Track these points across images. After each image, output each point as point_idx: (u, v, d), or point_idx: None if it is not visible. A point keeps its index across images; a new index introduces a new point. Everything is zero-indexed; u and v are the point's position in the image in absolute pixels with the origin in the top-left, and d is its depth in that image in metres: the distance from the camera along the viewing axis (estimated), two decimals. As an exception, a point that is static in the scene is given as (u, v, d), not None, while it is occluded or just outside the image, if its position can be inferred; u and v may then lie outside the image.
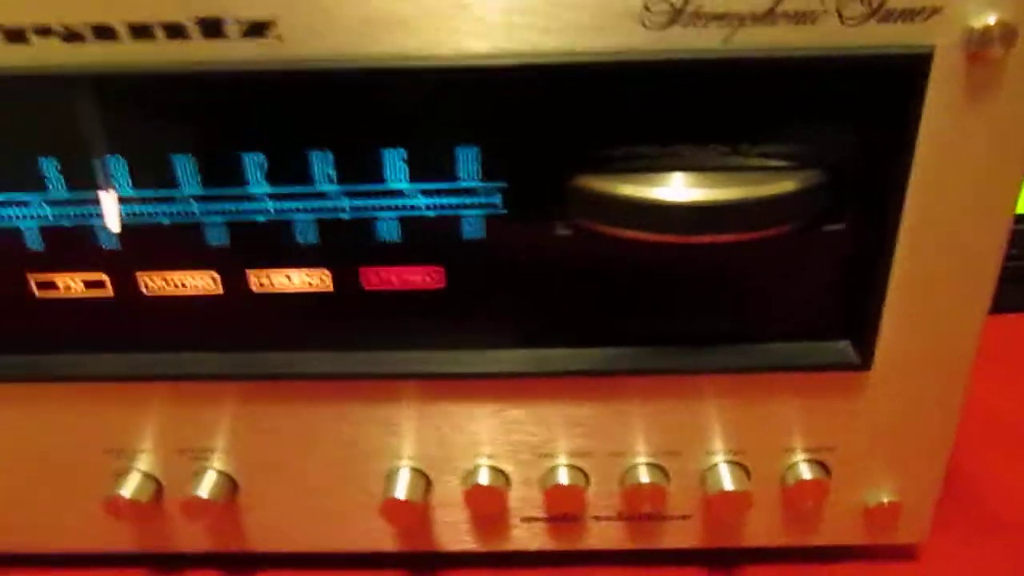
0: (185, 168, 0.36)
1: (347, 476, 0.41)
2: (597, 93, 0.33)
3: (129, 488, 0.40)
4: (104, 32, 0.31)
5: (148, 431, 0.40)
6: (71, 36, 0.31)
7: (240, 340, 0.39)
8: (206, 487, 0.40)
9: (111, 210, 0.37)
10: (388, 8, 0.31)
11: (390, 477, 0.40)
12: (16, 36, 0.32)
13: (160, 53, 0.32)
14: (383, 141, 0.35)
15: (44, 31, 0.32)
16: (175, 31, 0.31)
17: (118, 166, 0.36)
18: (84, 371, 0.39)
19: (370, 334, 0.39)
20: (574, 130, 0.34)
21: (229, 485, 0.41)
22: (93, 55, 0.32)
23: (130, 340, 0.40)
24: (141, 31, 0.31)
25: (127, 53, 0.32)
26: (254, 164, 0.36)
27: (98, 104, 0.34)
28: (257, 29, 0.31)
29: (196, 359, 0.39)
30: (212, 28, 0.31)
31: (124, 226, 0.37)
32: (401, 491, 0.39)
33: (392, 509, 0.39)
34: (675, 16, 0.30)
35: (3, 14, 0.32)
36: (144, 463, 0.41)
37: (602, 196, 0.34)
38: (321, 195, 0.36)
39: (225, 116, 0.34)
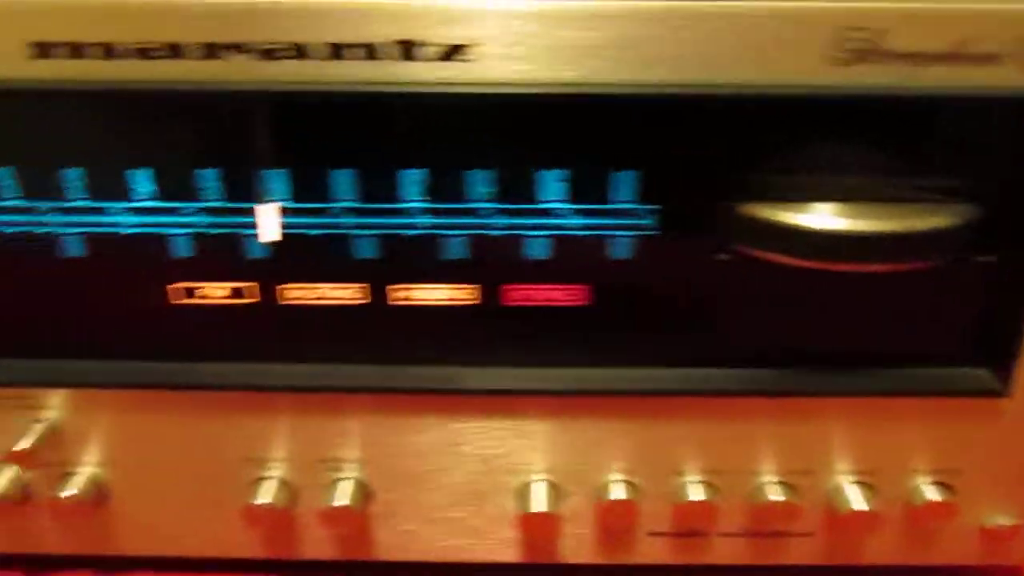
0: (344, 182, 0.36)
1: (483, 489, 0.41)
2: (770, 123, 0.34)
3: (267, 496, 0.40)
4: (301, 50, 0.32)
5: (286, 441, 0.41)
6: (266, 52, 0.32)
7: (378, 352, 0.40)
8: (343, 496, 0.40)
9: (270, 221, 0.37)
10: (580, 36, 0.32)
11: (524, 491, 0.41)
12: (210, 52, 0.32)
13: (352, 74, 0.32)
14: (544, 163, 0.36)
15: (235, 47, 0.32)
16: (371, 52, 0.32)
17: (277, 179, 0.36)
18: (224, 380, 0.40)
19: (510, 349, 0.40)
20: (742, 157, 0.35)
21: (365, 494, 0.41)
22: (274, 73, 0.33)
23: (269, 350, 0.40)
24: (337, 50, 0.32)
25: (308, 70, 0.32)
26: (412, 180, 0.36)
27: (265, 119, 0.35)
28: (452, 52, 0.32)
29: (337, 371, 0.40)
30: (409, 50, 0.32)
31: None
32: (540, 504, 0.40)
33: (530, 522, 0.40)
34: (865, 54, 0.31)
35: (202, 33, 0.32)
36: (281, 471, 0.41)
37: (765, 223, 0.35)
38: (474, 212, 0.37)
39: (392, 134, 0.35)
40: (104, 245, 0.38)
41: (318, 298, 0.39)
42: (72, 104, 0.34)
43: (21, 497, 0.41)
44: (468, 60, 0.32)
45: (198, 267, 0.38)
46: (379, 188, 0.36)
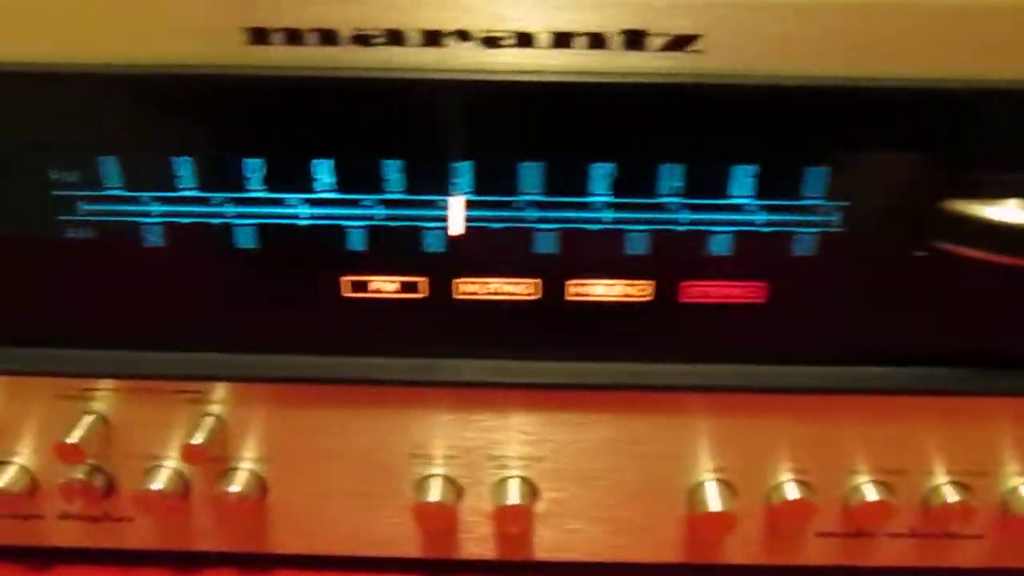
0: (530, 175, 0.36)
1: (653, 487, 0.41)
2: (979, 116, 0.33)
3: (435, 493, 0.40)
4: (524, 39, 0.31)
5: (452, 438, 0.40)
6: (489, 41, 0.31)
7: (548, 349, 0.39)
8: (513, 495, 0.40)
9: (459, 214, 0.37)
10: (802, 29, 0.31)
11: (697, 490, 0.40)
12: (431, 39, 0.31)
13: (575, 64, 0.32)
14: (737, 157, 0.35)
15: (460, 35, 0.32)
16: (598, 41, 0.31)
17: (462, 171, 0.36)
18: (387, 375, 0.39)
19: (682, 346, 0.39)
20: (948, 153, 0.34)
21: (531, 493, 0.41)
22: (495, 62, 0.32)
23: (437, 345, 0.40)
24: (562, 39, 0.31)
25: (527, 60, 0.32)
26: (600, 174, 0.36)
27: (451, 109, 0.34)
28: (680, 43, 0.31)
29: (506, 367, 0.39)
30: (635, 40, 0.31)
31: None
32: (714, 504, 0.39)
33: (702, 522, 0.40)
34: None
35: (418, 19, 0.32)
36: (447, 469, 0.41)
37: (973, 219, 0.35)
38: (660, 207, 0.37)
39: (586, 127, 0.35)
40: (279, 237, 0.37)
41: (492, 293, 0.38)
42: (288, 93, 0.33)
43: (182, 493, 0.41)
44: (694, 51, 0.31)
45: (371, 260, 0.38)
46: (565, 182, 0.36)
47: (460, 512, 0.41)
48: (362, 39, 0.31)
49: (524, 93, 0.33)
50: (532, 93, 0.33)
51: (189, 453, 0.39)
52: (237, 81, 0.33)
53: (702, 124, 0.33)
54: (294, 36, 0.31)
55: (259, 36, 0.32)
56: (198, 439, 0.38)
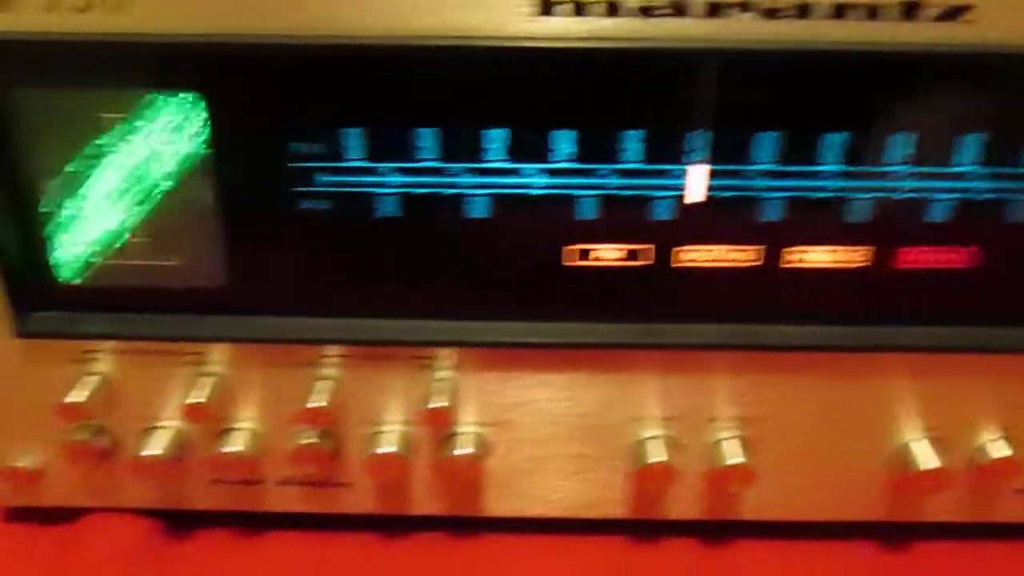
0: (771, 144, 0.37)
1: (860, 448, 0.42)
2: None
3: (654, 455, 0.41)
4: (803, 10, 0.33)
5: (672, 399, 0.42)
6: (768, 12, 0.33)
7: (763, 311, 0.41)
8: (734, 454, 0.41)
9: (699, 182, 0.38)
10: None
11: (904, 451, 0.42)
12: (713, 10, 0.33)
13: (854, 35, 0.33)
14: (975, 126, 0.36)
15: (740, 6, 0.33)
16: (873, 12, 0.33)
17: (704, 140, 0.37)
18: (612, 339, 0.41)
19: (899, 313, 0.41)
20: None
21: (748, 453, 0.42)
22: (771, 32, 0.33)
23: (657, 310, 0.41)
24: (840, 10, 0.33)
25: (803, 31, 0.33)
26: (833, 143, 0.37)
27: (702, 80, 0.36)
28: (953, 13, 0.33)
29: (734, 330, 0.41)
30: (911, 11, 0.33)
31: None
32: (927, 462, 0.41)
33: (913, 481, 0.41)
34: None
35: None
36: (666, 431, 0.42)
37: None
38: (884, 175, 0.38)
39: (823, 97, 0.36)
40: (512, 207, 0.39)
41: (714, 260, 0.40)
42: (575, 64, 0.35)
43: (406, 454, 0.42)
44: (965, 21, 0.33)
45: (596, 229, 0.39)
46: (797, 151, 0.37)
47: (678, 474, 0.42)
48: (646, 10, 0.33)
49: (790, 64, 0.34)
50: (802, 63, 0.34)
51: (429, 417, 0.40)
52: (514, 53, 0.34)
53: (962, 93, 0.35)
54: (579, 7, 0.33)
55: (546, 7, 0.33)
56: (438, 402, 0.40)
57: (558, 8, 0.33)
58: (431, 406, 0.39)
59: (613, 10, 0.33)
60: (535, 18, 0.33)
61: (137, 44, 0.35)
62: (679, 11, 0.33)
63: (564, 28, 0.33)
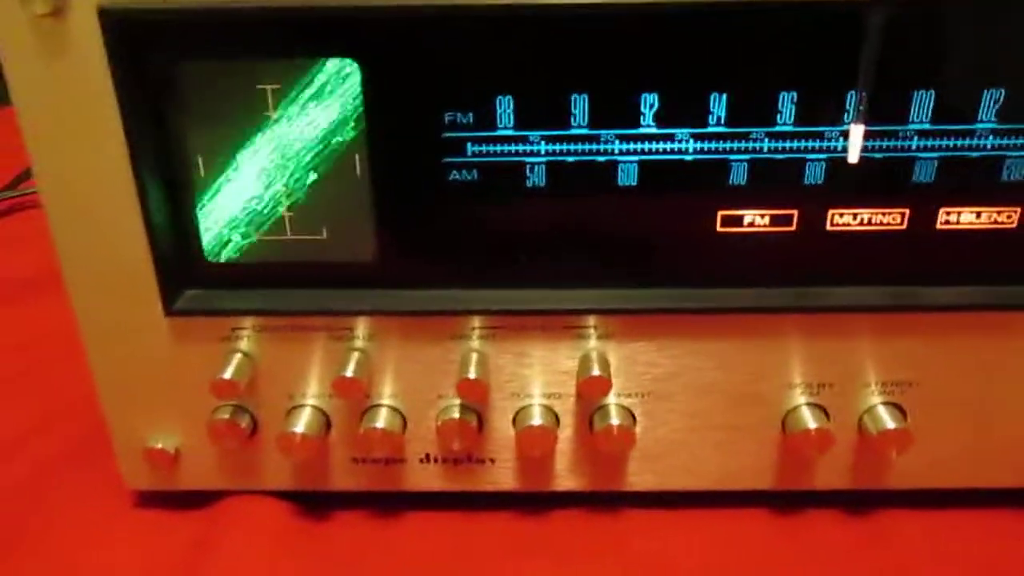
0: (922, 105, 0.37)
1: (1003, 410, 0.42)
2: None
3: (809, 421, 0.41)
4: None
5: (823, 363, 0.41)
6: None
7: (909, 274, 0.40)
8: (889, 419, 0.41)
9: (858, 142, 0.38)
10: None
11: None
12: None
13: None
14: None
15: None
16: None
17: (857, 100, 0.37)
18: (766, 303, 0.40)
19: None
20: None
21: (902, 417, 0.41)
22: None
23: (809, 276, 0.40)
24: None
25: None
26: (991, 100, 0.37)
27: (860, 34, 0.35)
28: None
29: (874, 292, 0.40)
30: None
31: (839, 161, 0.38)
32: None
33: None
34: None
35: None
36: (818, 398, 0.42)
37: None
38: None
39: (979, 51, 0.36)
40: (664, 173, 0.38)
41: (863, 224, 0.39)
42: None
43: (555, 427, 0.41)
44: None
45: (749, 193, 0.39)
46: (950, 109, 0.37)
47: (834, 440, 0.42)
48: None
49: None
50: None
51: (583, 387, 0.39)
52: (644, 12, 0.34)
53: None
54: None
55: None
56: (595, 371, 0.39)
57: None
58: (590, 374, 0.39)
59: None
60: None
61: (294, 10, 0.35)
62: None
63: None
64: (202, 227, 0.39)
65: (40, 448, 0.50)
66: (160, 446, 0.43)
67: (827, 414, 0.41)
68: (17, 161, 0.78)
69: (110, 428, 0.43)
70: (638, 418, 0.42)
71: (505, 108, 0.37)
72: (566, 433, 0.42)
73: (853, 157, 0.38)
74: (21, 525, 0.45)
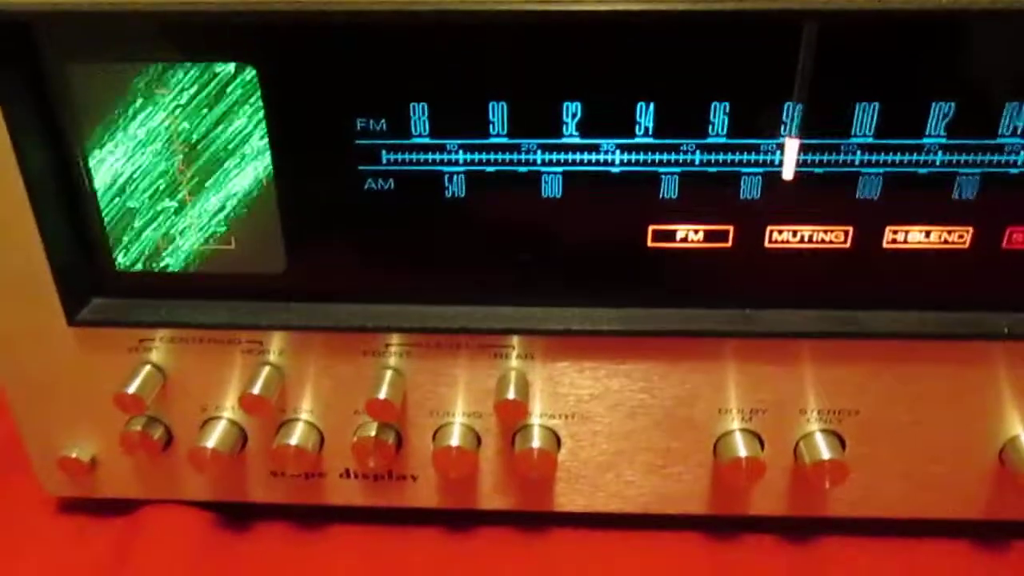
0: (865, 117, 0.34)
1: (969, 442, 0.39)
2: None
3: (741, 449, 0.39)
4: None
5: (759, 389, 0.39)
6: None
7: (861, 297, 0.38)
8: (824, 449, 0.39)
9: (792, 157, 0.35)
10: None
11: (1019, 442, 0.39)
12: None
13: None
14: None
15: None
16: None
17: (794, 113, 0.34)
18: (698, 327, 0.38)
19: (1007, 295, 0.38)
20: None
21: (840, 447, 0.39)
22: None
23: (746, 297, 0.38)
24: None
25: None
26: (939, 114, 0.34)
27: (794, 47, 0.33)
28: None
29: (836, 317, 0.38)
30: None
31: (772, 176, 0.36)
32: (1036, 458, 0.38)
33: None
34: None
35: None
36: (751, 424, 0.39)
37: None
38: (997, 148, 0.35)
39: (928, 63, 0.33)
40: (589, 185, 0.36)
41: (803, 242, 0.37)
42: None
43: (475, 448, 0.40)
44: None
45: (682, 207, 0.36)
46: (897, 123, 0.34)
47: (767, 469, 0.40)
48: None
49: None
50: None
51: (500, 409, 0.38)
52: (567, 17, 0.32)
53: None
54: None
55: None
56: (510, 394, 0.37)
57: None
58: (505, 397, 0.37)
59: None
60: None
61: (187, 14, 0.32)
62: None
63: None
64: (109, 236, 0.38)
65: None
66: (75, 455, 0.42)
67: (761, 441, 0.39)
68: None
69: (23, 436, 0.42)
70: (563, 439, 0.40)
71: (420, 115, 0.35)
72: (490, 452, 0.41)
73: (788, 173, 0.35)
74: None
